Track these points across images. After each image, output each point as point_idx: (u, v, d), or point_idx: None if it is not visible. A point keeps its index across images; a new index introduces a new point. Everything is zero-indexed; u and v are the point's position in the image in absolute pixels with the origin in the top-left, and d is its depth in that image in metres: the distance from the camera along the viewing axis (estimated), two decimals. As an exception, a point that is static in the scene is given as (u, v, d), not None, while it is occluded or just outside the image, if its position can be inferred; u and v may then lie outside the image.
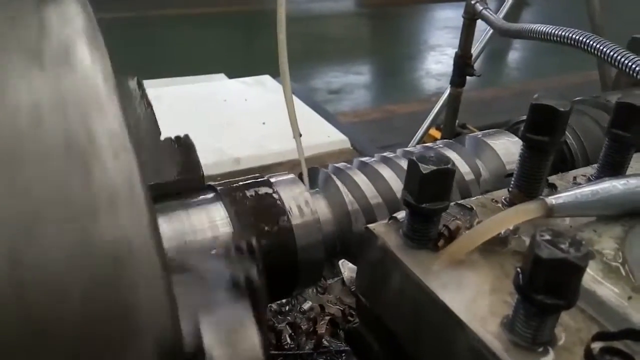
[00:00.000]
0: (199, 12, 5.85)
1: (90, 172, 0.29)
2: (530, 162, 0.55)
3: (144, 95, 0.53)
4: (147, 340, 0.30)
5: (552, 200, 0.51)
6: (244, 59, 4.61)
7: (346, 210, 0.66)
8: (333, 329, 1.00)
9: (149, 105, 0.53)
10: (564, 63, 3.96)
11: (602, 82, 1.59)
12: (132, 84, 0.53)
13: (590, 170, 0.66)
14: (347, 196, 0.66)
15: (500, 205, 0.58)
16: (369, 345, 0.57)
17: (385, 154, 0.73)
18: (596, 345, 0.38)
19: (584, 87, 1.62)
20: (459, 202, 0.56)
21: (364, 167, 0.70)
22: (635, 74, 0.74)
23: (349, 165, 0.71)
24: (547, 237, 0.36)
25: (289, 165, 1.50)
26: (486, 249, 0.50)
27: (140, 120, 0.52)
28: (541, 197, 0.52)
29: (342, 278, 1.10)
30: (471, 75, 1.55)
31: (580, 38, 0.83)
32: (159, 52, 4.55)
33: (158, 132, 0.54)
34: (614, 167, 0.61)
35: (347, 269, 1.09)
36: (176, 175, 0.56)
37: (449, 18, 6.30)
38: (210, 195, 0.60)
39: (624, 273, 0.47)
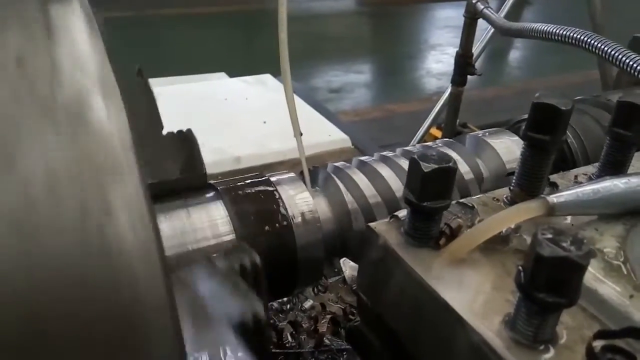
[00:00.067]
0: (199, 12, 5.85)
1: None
2: (531, 161, 0.55)
3: (146, 84, 0.52)
4: (147, 340, 0.30)
5: (554, 198, 0.51)
6: (245, 58, 4.61)
7: (346, 209, 0.66)
8: (334, 327, 1.00)
9: (150, 93, 0.53)
10: (565, 62, 3.97)
11: (603, 81, 1.59)
12: (134, 72, 0.52)
13: (592, 169, 0.66)
14: (347, 195, 0.66)
15: (501, 203, 0.58)
16: (371, 344, 0.57)
17: (384, 153, 0.73)
18: (597, 344, 0.38)
19: (584, 86, 1.62)
20: (461, 200, 0.56)
21: (363, 167, 0.70)
22: (636, 73, 0.74)
23: (348, 165, 0.71)
24: (549, 235, 0.36)
25: (290, 164, 1.49)
26: (487, 248, 0.50)
27: (141, 113, 0.51)
28: (542, 195, 0.52)
29: (344, 276, 1.10)
30: (472, 74, 1.55)
31: (582, 37, 0.82)
32: (159, 51, 4.55)
33: (160, 123, 0.53)
34: (615, 166, 0.61)
35: (349, 267, 1.09)
36: (179, 172, 0.56)
37: (450, 17, 6.30)
38: (211, 194, 0.60)
39: (625, 271, 0.47)
